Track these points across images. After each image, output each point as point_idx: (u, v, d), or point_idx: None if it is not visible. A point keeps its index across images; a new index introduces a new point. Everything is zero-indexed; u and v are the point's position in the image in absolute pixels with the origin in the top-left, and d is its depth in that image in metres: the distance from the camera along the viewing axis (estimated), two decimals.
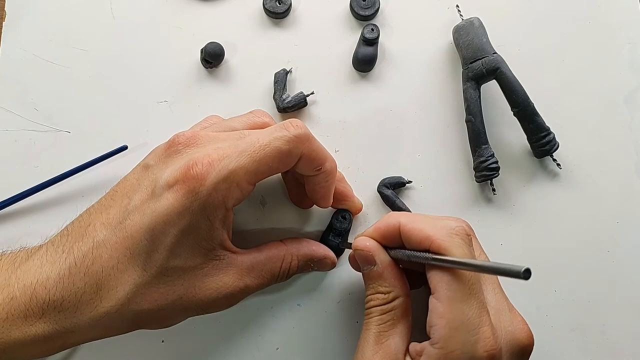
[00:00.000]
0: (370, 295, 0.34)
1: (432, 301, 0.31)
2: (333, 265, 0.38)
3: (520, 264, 0.25)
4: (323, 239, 0.39)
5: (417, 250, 0.32)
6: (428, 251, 0.31)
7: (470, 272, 0.30)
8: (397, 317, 0.32)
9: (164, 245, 0.31)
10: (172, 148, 0.33)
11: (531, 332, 0.32)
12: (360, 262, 0.34)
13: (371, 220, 0.41)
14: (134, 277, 0.31)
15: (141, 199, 0.32)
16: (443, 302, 0.30)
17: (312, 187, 0.36)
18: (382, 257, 0.33)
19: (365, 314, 0.33)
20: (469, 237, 0.32)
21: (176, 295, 0.32)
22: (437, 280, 0.31)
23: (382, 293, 0.33)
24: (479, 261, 0.29)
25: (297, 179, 0.38)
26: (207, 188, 0.30)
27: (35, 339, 0.31)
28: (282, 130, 0.32)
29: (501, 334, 0.31)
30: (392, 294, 0.33)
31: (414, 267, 0.35)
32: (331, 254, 0.38)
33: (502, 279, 0.34)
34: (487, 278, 0.33)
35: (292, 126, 0.32)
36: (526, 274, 0.25)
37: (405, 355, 0.32)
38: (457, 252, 0.30)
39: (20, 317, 0.31)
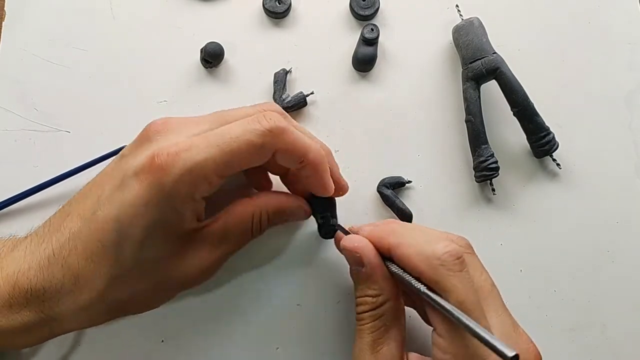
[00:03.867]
0: (359, 298, 0.33)
1: (434, 336, 0.31)
2: (307, 214, 0.36)
3: (511, 349, 0.25)
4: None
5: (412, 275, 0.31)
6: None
7: (469, 301, 0.29)
8: (389, 322, 0.32)
9: (133, 238, 0.30)
10: (144, 136, 0.32)
11: (538, 351, 0.32)
12: (349, 261, 0.34)
13: (370, 220, 0.41)
14: (108, 269, 0.31)
15: (111, 188, 0.31)
16: (444, 337, 0.30)
17: (304, 180, 0.35)
18: (371, 258, 0.32)
19: (356, 319, 0.33)
20: (458, 260, 0.30)
21: (154, 281, 0.32)
22: (434, 311, 0.31)
23: (370, 296, 0.32)
24: (469, 322, 0.27)
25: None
26: (172, 179, 0.29)
27: (21, 327, 0.31)
28: (255, 123, 0.31)
29: None
30: (381, 298, 0.32)
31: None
32: (304, 203, 0.36)
33: (500, 277, 0.34)
34: (490, 300, 0.32)
35: (265, 119, 0.31)
36: None
37: None
38: (446, 285, 0.29)
39: (5, 306, 0.31)
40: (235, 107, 0.36)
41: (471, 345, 0.29)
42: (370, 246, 0.33)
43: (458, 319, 0.28)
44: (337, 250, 0.37)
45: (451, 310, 0.28)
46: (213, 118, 0.33)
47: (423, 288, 0.30)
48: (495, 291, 0.33)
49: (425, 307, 0.32)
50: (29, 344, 0.33)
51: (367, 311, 0.32)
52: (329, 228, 0.37)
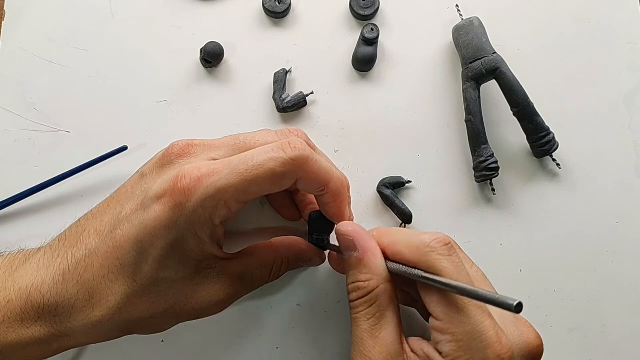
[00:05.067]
0: (351, 284, 0.33)
1: (432, 321, 0.31)
2: (323, 261, 0.38)
3: (513, 297, 0.25)
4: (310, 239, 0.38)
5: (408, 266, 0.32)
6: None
7: (462, 280, 0.30)
8: (383, 307, 0.31)
9: (152, 258, 0.31)
10: (166, 158, 0.33)
11: (538, 333, 0.32)
12: (343, 247, 0.33)
13: (371, 220, 0.41)
14: (125, 288, 0.31)
15: (131, 208, 0.32)
16: (442, 319, 0.30)
17: (320, 207, 0.35)
18: (362, 242, 0.32)
19: (350, 307, 0.33)
20: (447, 246, 0.31)
21: (167, 304, 0.32)
22: (429, 297, 0.31)
23: (362, 281, 0.32)
24: (470, 287, 0.28)
25: (280, 195, 0.38)
26: (194, 204, 0.30)
27: (31, 342, 0.31)
28: (279, 151, 0.31)
29: (510, 336, 0.30)
30: (373, 281, 0.32)
31: (406, 286, 0.35)
32: (320, 252, 0.37)
33: (500, 277, 0.34)
34: (484, 287, 0.32)
35: (289, 147, 0.31)
36: (518, 309, 0.25)
37: (402, 344, 0.31)
38: (438, 268, 0.30)
39: (16, 320, 0.31)
40: (259, 130, 0.36)
41: (468, 323, 0.29)
42: (362, 231, 0.33)
43: (458, 288, 0.28)
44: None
45: (450, 283, 0.29)
46: (235, 142, 0.33)
47: (421, 273, 0.30)
48: (487, 281, 0.34)
49: (422, 295, 0.32)
50: (38, 357, 0.33)
51: (361, 297, 0.32)
52: (320, 246, 0.37)
